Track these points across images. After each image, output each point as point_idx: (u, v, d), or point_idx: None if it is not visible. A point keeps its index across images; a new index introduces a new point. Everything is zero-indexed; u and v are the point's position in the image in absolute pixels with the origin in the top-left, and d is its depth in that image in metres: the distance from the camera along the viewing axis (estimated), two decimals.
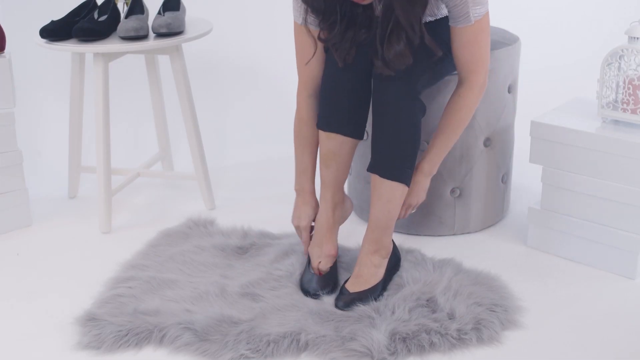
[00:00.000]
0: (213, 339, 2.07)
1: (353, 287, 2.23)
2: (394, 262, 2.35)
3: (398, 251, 2.39)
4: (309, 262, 2.36)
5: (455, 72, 2.28)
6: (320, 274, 2.31)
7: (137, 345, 2.09)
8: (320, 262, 2.32)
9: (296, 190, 2.40)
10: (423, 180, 2.32)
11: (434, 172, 2.32)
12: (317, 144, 2.33)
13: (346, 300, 2.20)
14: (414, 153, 2.19)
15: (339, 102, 2.22)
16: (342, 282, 2.31)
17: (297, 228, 2.40)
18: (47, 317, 2.23)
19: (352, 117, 2.23)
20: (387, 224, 2.25)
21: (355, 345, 2.03)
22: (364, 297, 2.21)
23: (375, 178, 2.21)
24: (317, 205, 2.38)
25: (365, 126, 2.27)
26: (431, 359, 2.02)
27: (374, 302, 2.20)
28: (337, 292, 2.26)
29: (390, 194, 2.20)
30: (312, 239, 2.37)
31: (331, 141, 2.26)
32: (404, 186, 2.21)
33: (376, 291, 2.24)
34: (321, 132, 2.27)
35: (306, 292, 2.28)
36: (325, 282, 2.30)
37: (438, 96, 2.48)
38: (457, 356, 2.03)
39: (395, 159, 2.18)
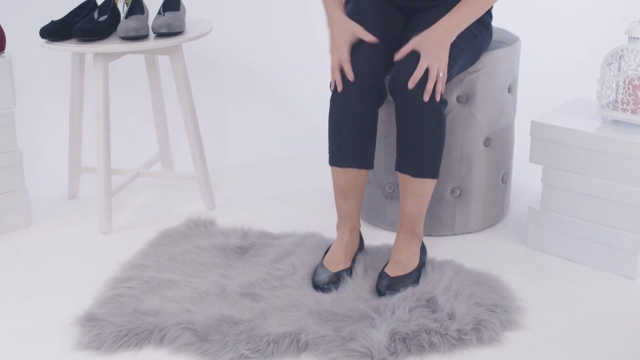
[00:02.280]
0: (213, 339, 2.07)
1: (393, 272, 2.30)
2: (423, 257, 2.42)
3: (424, 244, 2.45)
4: (323, 257, 2.39)
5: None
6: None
7: (137, 345, 2.09)
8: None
9: (328, 24, 2.35)
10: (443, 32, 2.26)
11: (453, 33, 2.27)
12: None
13: (389, 284, 2.26)
14: (441, 148, 2.28)
15: (349, 138, 2.29)
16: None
17: (338, 59, 2.28)
18: (47, 317, 2.23)
19: (364, 150, 2.31)
20: (420, 214, 2.35)
21: (355, 345, 2.03)
22: (404, 281, 2.27)
23: (405, 176, 2.29)
24: (352, 26, 2.30)
25: (374, 156, 2.35)
26: (431, 359, 2.03)
27: (411, 287, 2.25)
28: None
29: (422, 189, 2.30)
30: (330, 257, 2.38)
31: (347, 175, 2.33)
32: (434, 180, 2.30)
33: (413, 277, 2.30)
34: (335, 168, 2.34)
35: (316, 285, 2.30)
36: (337, 278, 2.32)
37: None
38: (457, 356, 2.03)
39: (425, 158, 2.26)
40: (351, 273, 2.35)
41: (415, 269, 2.32)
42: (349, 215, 2.39)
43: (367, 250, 2.49)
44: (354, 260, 2.40)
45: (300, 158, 3.36)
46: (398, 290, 2.24)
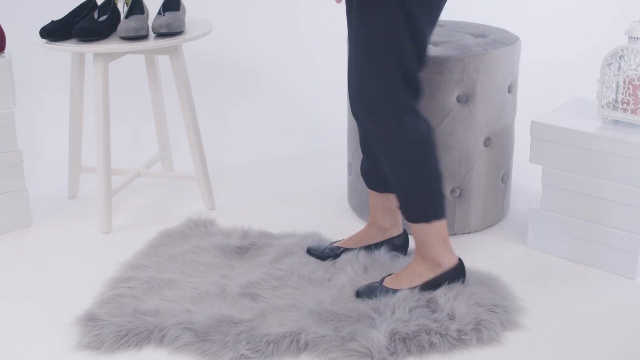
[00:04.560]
0: (213, 339, 2.07)
1: (389, 282, 2.28)
2: (451, 277, 2.28)
3: (461, 273, 2.29)
4: (326, 249, 2.48)
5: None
6: None
7: (137, 345, 2.09)
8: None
9: None
10: None
11: None
12: None
13: (369, 290, 2.26)
14: (428, 188, 2.20)
15: (363, 163, 2.42)
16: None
17: None
18: (47, 317, 2.23)
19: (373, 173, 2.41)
20: (423, 241, 2.25)
21: (355, 345, 2.03)
22: (386, 293, 2.25)
23: None
24: None
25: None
26: (431, 359, 2.03)
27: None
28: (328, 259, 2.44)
29: (423, 230, 2.24)
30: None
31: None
32: (432, 222, 2.23)
33: (394, 293, 2.25)
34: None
35: (309, 250, 2.46)
36: (332, 251, 2.44)
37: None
38: (457, 356, 2.04)
39: (413, 204, 2.23)
40: (339, 254, 2.43)
41: (408, 288, 2.25)
42: (371, 210, 2.46)
43: (368, 250, 2.49)
44: (367, 248, 2.45)
45: (300, 158, 3.36)
46: (372, 298, 2.23)
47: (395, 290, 2.23)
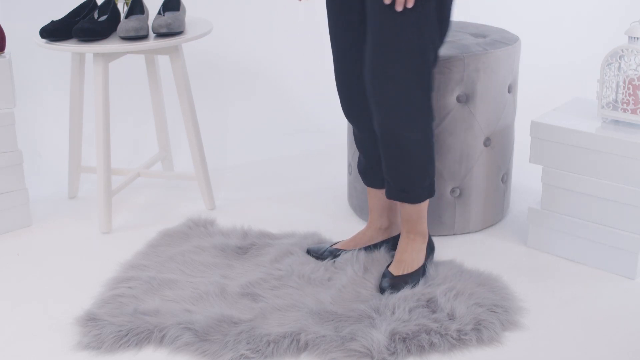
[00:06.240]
0: (213, 339, 2.07)
1: (397, 270, 2.31)
2: (429, 250, 2.42)
3: (432, 241, 2.45)
4: (325, 251, 2.48)
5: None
6: None
7: (137, 345, 2.09)
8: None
9: None
10: None
11: None
12: None
13: (392, 283, 2.27)
14: (420, 170, 2.25)
15: (361, 161, 2.45)
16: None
17: None
18: (47, 317, 2.23)
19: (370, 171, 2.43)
20: (418, 217, 2.33)
21: (355, 345, 2.03)
22: (407, 280, 2.28)
23: None
24: None
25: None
26: (431, 359, 2.03)
27: (417, 285, 2.27)
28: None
29: (413, 210, 2.30)
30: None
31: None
32: (421, 204, 2.29)
33: (415, 276, 2.30)
34: None
35: (309, 252, 2.47)
36: (331, 254, 2.45)
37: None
38: (457, 356, 2.03)
39: (404, 185, 2.27)
40: (338, 256, 2.42)
41: (418, 268, 2.32)
42: (370, 210, 2.48)
43: (367, 250, 2.49)
44: (367, 249, 2.46)
45: (300, 158, 3.36)
46: (399, 289, 2.24)
47: (410, 275, 2.29)
